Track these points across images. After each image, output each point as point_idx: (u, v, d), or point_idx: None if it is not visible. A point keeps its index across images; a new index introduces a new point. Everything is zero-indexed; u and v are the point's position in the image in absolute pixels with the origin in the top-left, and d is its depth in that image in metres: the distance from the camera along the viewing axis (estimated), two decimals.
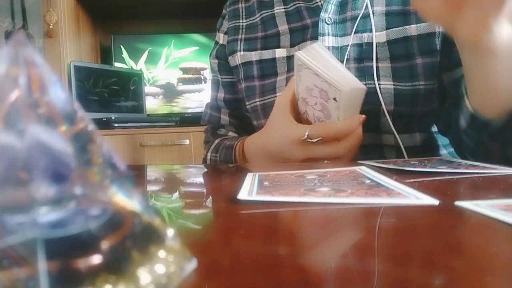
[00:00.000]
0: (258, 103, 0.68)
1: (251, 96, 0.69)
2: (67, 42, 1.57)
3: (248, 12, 0.73)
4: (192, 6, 1.76)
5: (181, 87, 1.84)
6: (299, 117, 0.55)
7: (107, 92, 1.69)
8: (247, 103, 0.70)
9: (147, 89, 1.83)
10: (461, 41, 0.41)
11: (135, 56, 1.83)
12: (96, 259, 0.12)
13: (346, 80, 0.44)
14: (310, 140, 0.48)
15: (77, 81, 1.58)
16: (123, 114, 1.70)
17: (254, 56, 0.68)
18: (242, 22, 0.73)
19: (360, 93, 0.46)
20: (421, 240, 0.18)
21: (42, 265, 0.11)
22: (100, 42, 1.92)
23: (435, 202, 0.23)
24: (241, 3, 0.74)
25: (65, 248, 0.12)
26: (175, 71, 1.84)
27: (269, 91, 0.66)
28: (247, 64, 0.69)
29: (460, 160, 0.43)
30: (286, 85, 0.63)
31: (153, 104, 1.84)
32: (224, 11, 0.78)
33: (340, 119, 0.46)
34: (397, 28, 0.57)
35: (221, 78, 0.77)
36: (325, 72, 0.45)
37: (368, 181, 0.30)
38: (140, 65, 1.84)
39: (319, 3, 0.63)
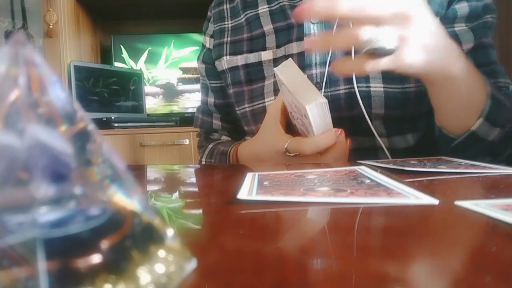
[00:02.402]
0: (247, 109, 0.67)
1: (240, 101, 0.68)
2: (67, 42, 1.57)
3: (233, 13, 0.71)
4: (192, 6, 1.75)
5: (181, 87, 1.84)
6: (292, 127, 0.55)
7: (107, 92, 1.69)
8: (236, 108, 0.70)
9: (147, 89, 1.83)
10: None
11: (135, 56, 1.83)
12: (96, 259, 0.12)
13: (309, 96, 0.45)
14: (289, 154, 0.49)
15: (77, 81, 1.58)
16: (123, 114, 1.70)
17: (240, 60, 0.67)
18: (228, 24, 0.71)
19: (323, 106, 0.46)
20: (421, 239, 0.18)
21: (42, 265, 0.11)
22: (100, 42, 1.92)
23: (435, 201, 0.23)
24: (226, 4, 0.73)
25: (65, 248, 0.12)
26: (175, 71, 1.84)
27: (257, 96, 0.65)
28: (233, 69, 0.68)
29: (460, 160, 0.43)
30: (273, 89, 0.63)
31: (153, 104, 1.83)
32: (209, 13, 0.76)
33: (315, 134, 0.46)
34: None
35: (210, 84, 0.76)
36: (294, 90, 0.46)
37: (368, 181, 0.30)
38: (140, 65, 1.84)
39: (303, 1, 0.61)
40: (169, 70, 1.84)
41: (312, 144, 0.46)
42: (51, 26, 1.51)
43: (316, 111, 0.45)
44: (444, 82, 0.45)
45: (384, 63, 0.40)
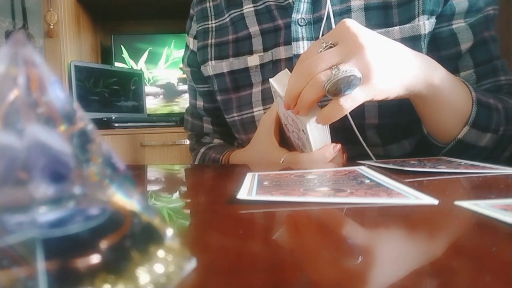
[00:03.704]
0: (236, 118, 0.65)
1: (229, 110, 0.66)
2: (68, 42, 1.57)
3: (216, 11, 0.67)
4: None
5: (182, 87, 1.84)
6: (286, 139, 0.53)
7: (108, 92, 1.69)
8: (225, 116, 0.68)
9: (148, 89, 1.83)
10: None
11: (135, 56, 1.83)
12: (95, 259, 0.12)
13: (309, 111, 0.43)
14: None
15: (78, 81, 1.58)
16: (123, 114, 1.70)
17: (225, 67, 0.64)
18: (211, 24, 0.68)
19: None
20: (421, 240, 0.18)
21: (42, 265, 0.11)
22: (101, 42, 1.92)
23: (434, 202, 0.23)
24: (209, 2, 0.68)
25: (65, 248, 0.12)
26: (176, 71, 1.84)
27: (245, 105, 0.63)
28: (219, 76, 0.65)
29: (460, 160, 0.43)
30: (262, 98, 0.61)
31: (153, 104, 1.83)
32: (191, 10, 0.72)
33: (313, 150, 0.45)
34: (378, 31, 0.48)
35: (197, 87, 0.73)
36: None
37: (367, 181, 0.30)
38: (140, 65, 1.84)
39: (290, 1, 0.58)
40: (169, 70, 1.84)
41: (310, 160, 0.45)
42: (51, 26, 1.51)
43: (315, 127, 0.44)
44: (428, 91, 0.45)
45: (358, 95, 0.40)
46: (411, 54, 0.44)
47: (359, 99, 0.40)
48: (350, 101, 0.39)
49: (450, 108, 0.47)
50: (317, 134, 0.44)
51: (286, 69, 0.48)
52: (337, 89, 0.39)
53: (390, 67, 0.41)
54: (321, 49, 0.41)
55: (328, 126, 0.45)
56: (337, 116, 0.40)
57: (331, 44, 0.41)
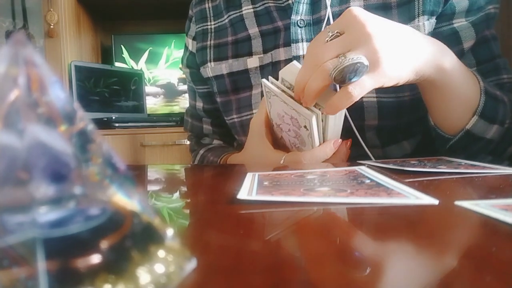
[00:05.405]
0: (235, 119, 0.65)
1: (228, 111, 0.66)
2: (68, 42, 1.57)
3: (215, 12, 0.67)
4: None
5: (182, 87, 1.84)
6: (277, 140, 0.53)
7: (108, 92, 1.69)
8: (225, 118, 0.68)
9: (148, 89, 1.83)
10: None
11: (135, 56, 1.83)
12: (95, 259, 0.12)
13: (312, 106, 0.43)
14: None
15: (78, 81, 1.58)
16: (123, 114, 1.70)
17: (224, 68, 0.63)
18: (210, 25, 0.67)
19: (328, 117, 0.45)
20: (421, 240, 0.18)
21: (42, 265, 0.11)
22: (101, 42, 1.92)
23: (435, 202, 0.23)
24: (208, 3, 0.68)
25: (65, 248, 0.12)
26: (176, 71, 1.84)
27: (245, 107, 0.63)
28: (218, 78, 0.65)
29: (460, 160, 0.43)
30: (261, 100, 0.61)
31: (153, 104, 1.83)
32: (190, 11, 0.72)
33: (314, 146, 0.45)
34: None
35: (197, 89, 0.73)
36: (292, 100, 0.44)
37: (368, 181, 0.30)
38: (140, 65, 1.84)
39: (290, 2, 0.58)
40: (169, 70, 1.84)
41: (311, 157, 0.45)
42: (52, 26, 1.51)
43: (321, 122, 0.43)
44: (438, 76, 0.44)
45: (367, 82, 0.39)
46: (422, 38, 0.43)
47: (367, 86, 0.39)
48: (358, 88, 0.39)
49: (459, 95, 0.46)
50: (321, 128, 0.44)
51: (295, 61, 0.47)
52: (343, 77, 0.38)
53: (399, 53, 0.40)
54: (327, 38, 0.40)
55: (333, 122, 0.45)
56: (346, 104, 0.40)
57: (337, 33, 0.40)
